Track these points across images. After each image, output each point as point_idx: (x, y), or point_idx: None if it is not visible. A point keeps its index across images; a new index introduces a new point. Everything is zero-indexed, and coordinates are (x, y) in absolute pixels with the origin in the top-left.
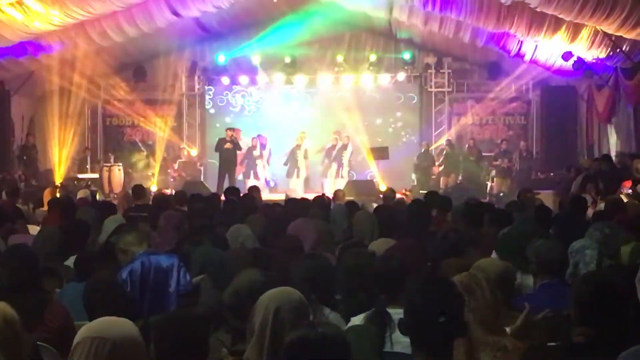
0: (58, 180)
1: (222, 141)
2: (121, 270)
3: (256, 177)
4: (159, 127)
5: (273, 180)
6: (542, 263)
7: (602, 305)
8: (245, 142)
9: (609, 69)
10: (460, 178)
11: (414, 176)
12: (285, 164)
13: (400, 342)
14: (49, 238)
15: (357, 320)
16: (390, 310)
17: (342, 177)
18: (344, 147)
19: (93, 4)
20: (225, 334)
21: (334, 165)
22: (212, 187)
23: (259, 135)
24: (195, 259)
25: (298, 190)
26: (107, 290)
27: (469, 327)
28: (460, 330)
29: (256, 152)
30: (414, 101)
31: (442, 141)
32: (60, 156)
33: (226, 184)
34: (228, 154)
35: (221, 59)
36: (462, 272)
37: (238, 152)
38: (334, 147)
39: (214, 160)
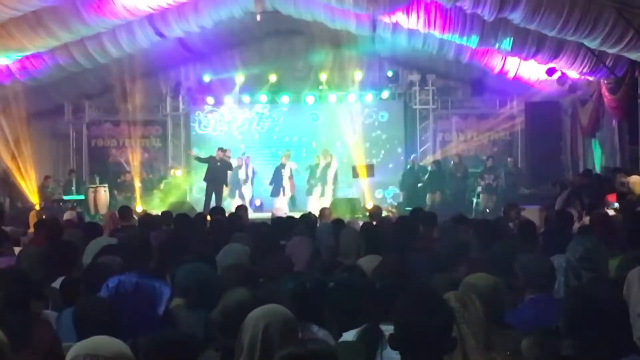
0: (35, 201)
1: (212, 159)
2: (109, 279)
3: (241, 196)
4: (144, 148)
5: (258, 199)
6: (530, 278)
7: (590, 318)
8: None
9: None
10: (446, 195)
11: (399, 193)
12: (271, 183)
13: (392, 358)
14: (32, 259)
15: (349, 336)
16: (382, 327)
17: (327, 195)
18: (329, 165)
19: (77, 26)
20: (215, 353)
21: (319, 184)
22: (198, 208)
23: (244, 155)
24: (183, 278)
25: (284, 209)
26: (99, 309)
27: (464, 340)
28: (449, 345)
29: (242, 172)
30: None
31: (427, 158)
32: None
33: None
34: (216, 172)
35: (206, 79)
36: (451, 287)
37: (229, 171)
38: (318, 165)
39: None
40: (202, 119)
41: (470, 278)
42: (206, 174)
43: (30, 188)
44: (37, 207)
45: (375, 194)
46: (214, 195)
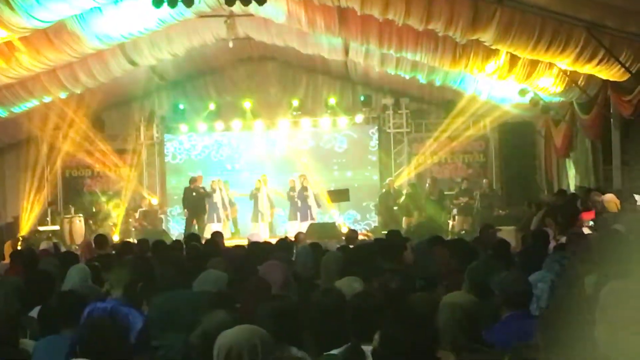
0: (23, 232)
1: (188, 191)
2: (89, 306)
3: (219, 220)
4: (119, 177)
5: (236, 224)
6: (507, 295)
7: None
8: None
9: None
10: (422, 217)
11: (375, 217)
12: (251, 198)
13: None
14: (9, 289)
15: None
16: (363, 347)
17: (304, 220)
18: (305, 189)
19: (47, 54)
20: None
21: (296, 209)
22: (174, 236)
23: (218, 180)
24: (160, 304)
25: (263, 234)
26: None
27: None
28: None
29: (217, 196)
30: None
31: (403, 181)
32: (26, 208)
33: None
34: (196, 201)
35: (180, 106)
36: (429, 306)
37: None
38: (293, 190)
39: (174, 208)
40: (187, 146)
41: (449, 297)
42: (186, 203)
43: (23, 216)
44: (20, 237)
45: (360, 217)
46: (195, 224)
